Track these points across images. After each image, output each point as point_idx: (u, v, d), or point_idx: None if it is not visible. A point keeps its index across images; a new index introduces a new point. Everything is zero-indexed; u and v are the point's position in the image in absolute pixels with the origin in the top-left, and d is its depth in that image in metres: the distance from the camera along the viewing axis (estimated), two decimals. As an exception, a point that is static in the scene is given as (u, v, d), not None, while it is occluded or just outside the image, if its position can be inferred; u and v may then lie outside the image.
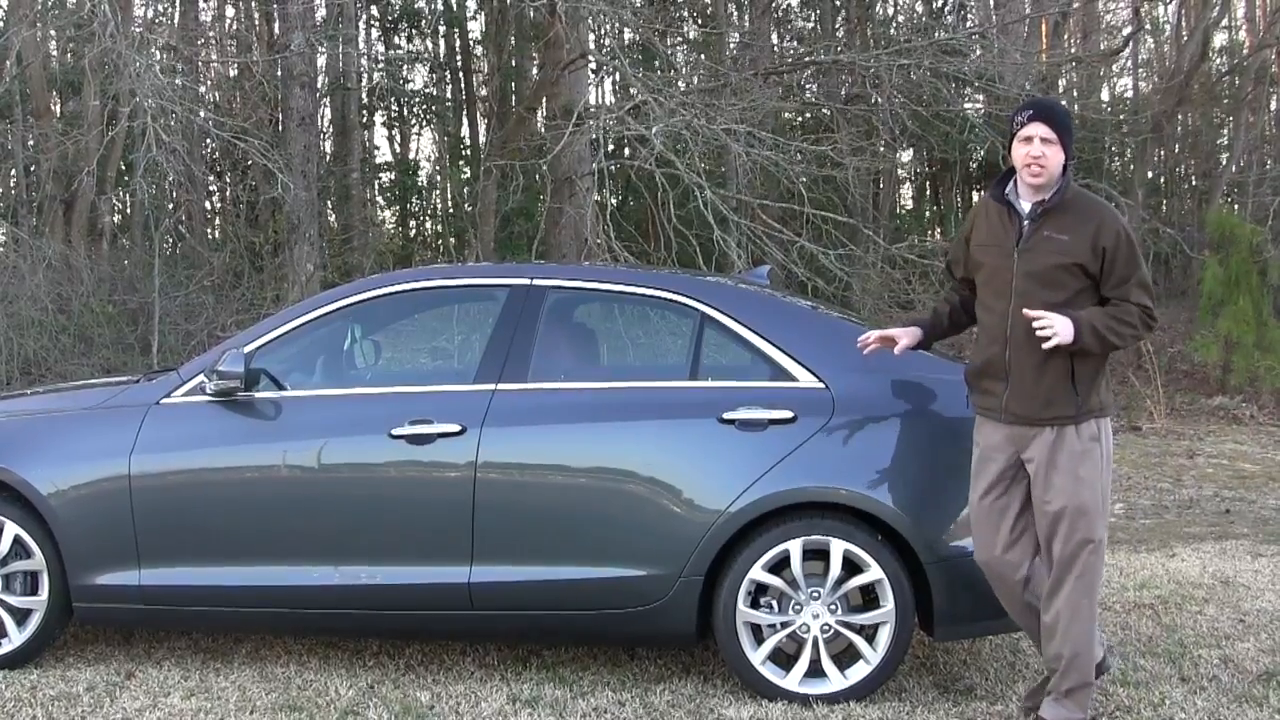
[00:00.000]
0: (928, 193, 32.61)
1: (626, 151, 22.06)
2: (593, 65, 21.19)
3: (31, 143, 20.74)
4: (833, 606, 6.26)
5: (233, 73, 25.23)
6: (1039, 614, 5.95)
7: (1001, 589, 6.02)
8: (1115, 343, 5.65)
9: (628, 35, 23.78)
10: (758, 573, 6.25)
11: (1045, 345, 5.61)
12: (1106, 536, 5.88)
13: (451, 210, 30.01)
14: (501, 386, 6.53)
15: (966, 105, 21.54)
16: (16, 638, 6.76)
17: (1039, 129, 5.73)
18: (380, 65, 29.86)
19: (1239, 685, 6.64)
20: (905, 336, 6.32)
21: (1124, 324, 5.63)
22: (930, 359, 6.65)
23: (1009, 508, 5.91)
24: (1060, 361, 5.69)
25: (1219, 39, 28.91)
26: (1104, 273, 5.67)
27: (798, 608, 6.27)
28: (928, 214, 31.74)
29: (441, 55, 31.08)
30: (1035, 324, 5.64)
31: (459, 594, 6.41)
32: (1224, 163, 28.20)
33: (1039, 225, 5.76)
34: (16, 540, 6.70)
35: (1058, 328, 5.56)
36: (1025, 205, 5.84)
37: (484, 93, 29.74)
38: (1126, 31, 26.16)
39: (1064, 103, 6.38)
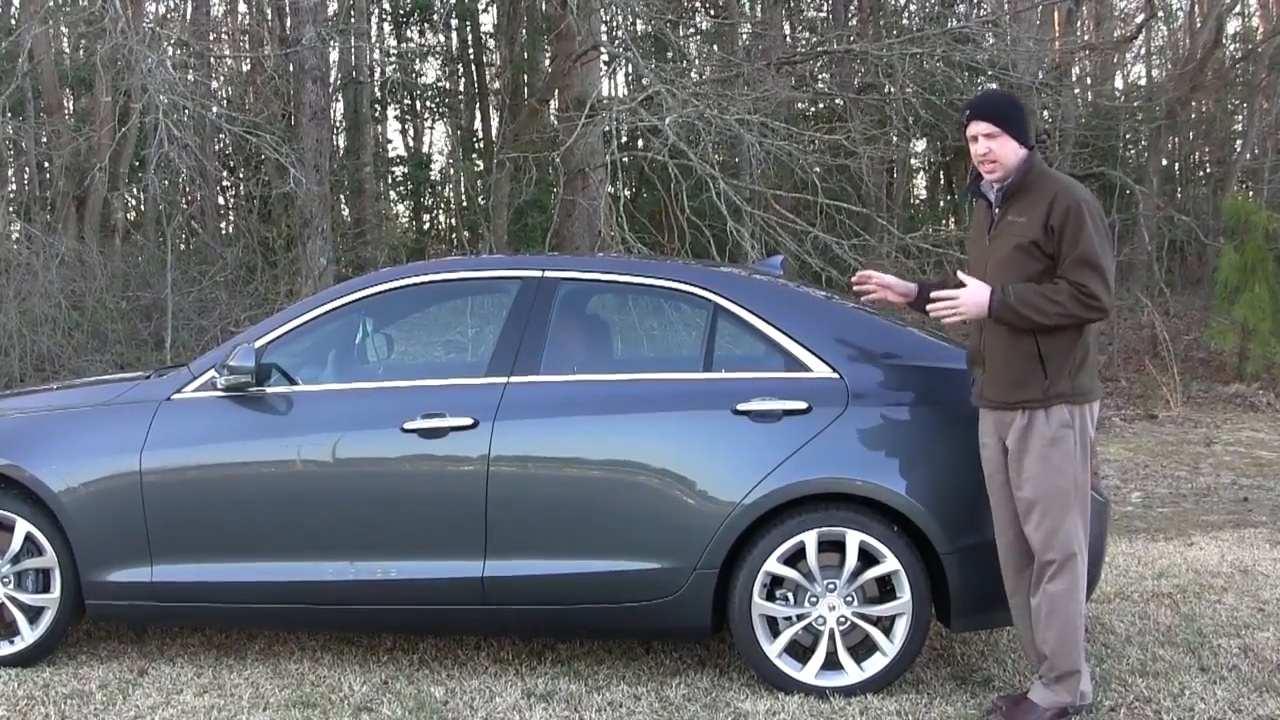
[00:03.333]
0: (941, 182, 32.58)
1: (639, 143, 22.01)
2: (605, 57, 21.13)
3: (44, 139, 20.76)
4: (849, 598, 6.23)
5: (245, 68, 25.25)
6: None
7: (1006, 573, 6.03)
8: (1037, 319, 5.61)
9: (640, 26, 23.76)
10: (773, 565, 6.21)
11: (946, 320, 5.79)
12: (1083, 524, 5.82)
13: (464, 203, 29.97)
14: (514, 379, 6.50)
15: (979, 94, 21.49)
16: (29, 635, 6.73)
17: (980, 127, 5.84)
18: (392, 59, 29.85)
19: (1259, 674, 6.59)
20: (896, 283, 6.33)
21: (1050, 300, 5.59)
22: (944, 348, 6.62)
23: (1004, 491, 5.93)
24: (1027, 343, 5.71)
25: (1232, 25, 28.92)
26: (1056, 251, 5.68)
27: (814, 600, 6.23)
28: (941, 203, 31.73)
29: (453, 48, 31.13)
30: (931, 308, 5.83)
31: (473, 588, 6.38)
32: (1238, 149, 28.16)
33: (1004, 211, 5.86)
34: (28, 538, 6.68)
35: (963, 298, 5.69)
36: (992, 195, 5.93)
37: (496, 85, 29.76)
38: (1139, 19, 26.10)
39: (1006, 91, 6.39)
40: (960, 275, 5.77)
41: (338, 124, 27.52)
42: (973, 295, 5.66)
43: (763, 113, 17.36)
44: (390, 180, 30.09)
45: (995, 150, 5.79)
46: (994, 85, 20.50)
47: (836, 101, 22.16)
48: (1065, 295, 5.58)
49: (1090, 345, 5.84)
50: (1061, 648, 5.80)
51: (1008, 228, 5.79)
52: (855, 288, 6.34)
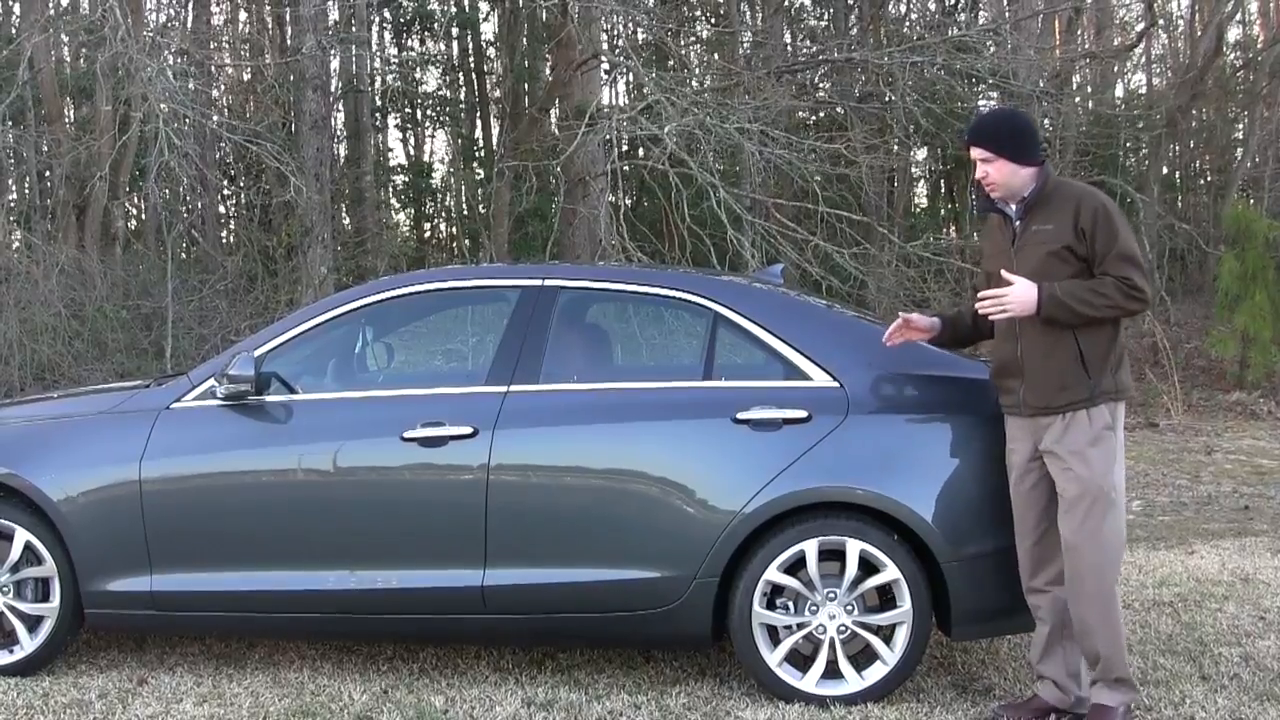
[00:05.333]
0: (942, 191, 32.53)
1: (640, 151, 22.05)
2: (605, 65, 21.12)
3: (44, 148, 20.72)
4: (849, 607, 6.21)
5: (245, 76, 25.23)
6: (1061, 612, 5.97)
7: (1026, 579, 6.04)
8: (1086, 312, 5.66)
9: (640, 35, 23.76)
10: (773, 574, 6.20)
11: (996, 316, 5.78)
12: (1124, 523, 5.87)
13: (465, 212, 29.97)
14: (514, 388, 6.49)
15: (980, 102, 21.50)
16: (28, 645, 6.72)
17: (976, 153, 5.95)
18: (393, 68, 29.85)
19: (1260, 683, 6.58)
20: (921, 320, 6.34)
21: (1097, 294, 5.65)
22: (945, 356, 6.61)
23: (1035, 500, 5.94)
24: (1068, 344, 5.74)
25: (1233, 33, 28.88)
26: (1089, 251, 5.73)
27: (814, 608, 6.22)
28: (942, 212, 31.67)
29: (454, 57, 31.09)
30: (978, 305, 5.84)
31: (473, 597, 6.37)
32: (1239, 158, 28.14)
33: (1027, 223, 5.89)
34: (28, 547, 6.67)
35: (1013, 296, 5.70)
36: (1012, 208, 5.95)
37: (497, 94, 29.75)
38: (1140, 27, 26.10)
39: (1005, 111, 6.42)
40: (1004, 274, 5.76)
41: (338, 133, 27.48)
42: (1020, 291, 5.68)
43: (763, 121, 17.39)
44: (391, 189, 30.08)
45: (992, 175, 5.88)
46: (994, 94, 20.55)
47: (837, 110, 22.10)
48: (1111, 288, 5.65)
49: (1124, 342, 5.89)
50: (1114, 649, 5.81)
51: (1034, 237, 5.82)
52: (889, 343, 6.34)
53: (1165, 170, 28.66)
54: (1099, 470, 5.73)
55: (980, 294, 5.86)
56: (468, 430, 6.38)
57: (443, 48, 31.01)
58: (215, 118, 19.59)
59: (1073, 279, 5.72)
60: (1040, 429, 5.83)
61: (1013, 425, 6.01)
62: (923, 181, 32.27)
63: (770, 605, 6.26)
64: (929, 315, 6.41)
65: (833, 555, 6.23)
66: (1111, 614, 5.80)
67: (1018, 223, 5.92)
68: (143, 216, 23.82)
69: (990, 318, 5.82)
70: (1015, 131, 5.97)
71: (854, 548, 6.17)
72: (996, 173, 5.86)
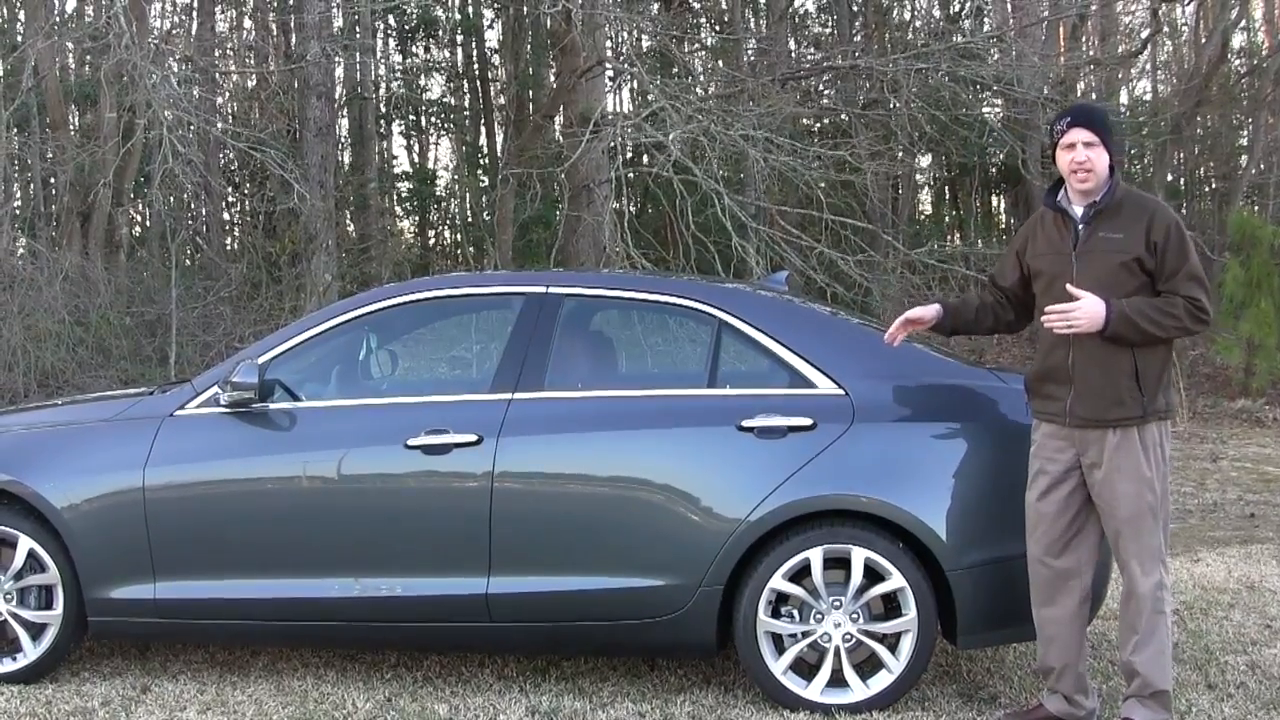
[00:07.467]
0: (946, 197, 32.59)
1: (644, 158, 22.01)
2: (609, 72, 21.11)
3: (48, 155, 20.74)
4: (854, 615, 6.19)
5: (250, 83, 25.25)
6: (1081, 622, 5.97)
7: (1050, 592, 5.97)
8: (1153, 332, 5.61)
9: (644, 42, 23.76)
10: (778, 582, 6.18)
11: (1064, 331, 5.66)
12: (1166, 540, 5.84)
13: (469, 219, 29.98)
14: (518, 395, 6.48)
15: (985, 109, 21.48)
16: (32, 652, 6.72)
17: (1080, 134, 5.76)
18: (397, 75, 29.88)
19: (1267, 692, 6.56)
20: (922, 313, 6.29)
21: (1166, 314, 5.60)
22: (951, 364, 6.61)
23: (1066, 511, 5.88)
24: (1125, 361, 5.67)
25: (1237, 40, 28.88)
26: (1157, 267, 5.66)
27: (819, 617, 6.20)
28: (947, 218, 31.72)
29: (458, 64, 31.14)
30: (1045, 319, 5.72)
31: (477, 605, 6.36)
32: (1244, 164, 28.12)
33: (1093, 227, 5.78)
34: (31, 554, 6.67)
35: (1082, 311, 5.59)
36: (1078, 210, 5.85)
37: (501, 101, 29.76)
38: (1144, 34, 26.06)
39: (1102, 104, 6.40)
40: (1071, 289, 5.66)
41: (343, 140, 27.52)
42: (1090, 307, 5.59)
43: (767, 128, 17.38)
44: (395, 196, 30.09)
45: (1093, 159, 5.72)
46: (999, 101, 20.51)
47: (841, 117, 22.13)
48: (1180, 309, 5.62)
49: (1173, 362, 5.86)
50: (1157, 665, 5.78)
51: (1101, 244, 5.74)
52: (890, 342, 6.32)
53: (1170, 177, 28.69)
54: (1147, 489, 5.70)
55: (1047, 309, 5.73)
56: (472, 438, 6.37)
57: (447, 55, 31.09)
58: (219, 124, 19.63)
59: (1135, 294, 5.66)
60: (1086, 442, 5.78)
61: (1049, 433, 5.92)
62: (927, 188, 32.31)
63: (775, 613, 6.24)
64: (928, 306, 6.37)
65: (838, 563, 6.21)
66: (1162, 628, 5.78)
67: (1082, 226, 5.82)
68: (147, 223, 23.84)
69: (1056, 331, 5.72)
70: (1111, 124, 5.90)
71: (859, 556, 6.15)
72: (1098, 159, 5.73)
